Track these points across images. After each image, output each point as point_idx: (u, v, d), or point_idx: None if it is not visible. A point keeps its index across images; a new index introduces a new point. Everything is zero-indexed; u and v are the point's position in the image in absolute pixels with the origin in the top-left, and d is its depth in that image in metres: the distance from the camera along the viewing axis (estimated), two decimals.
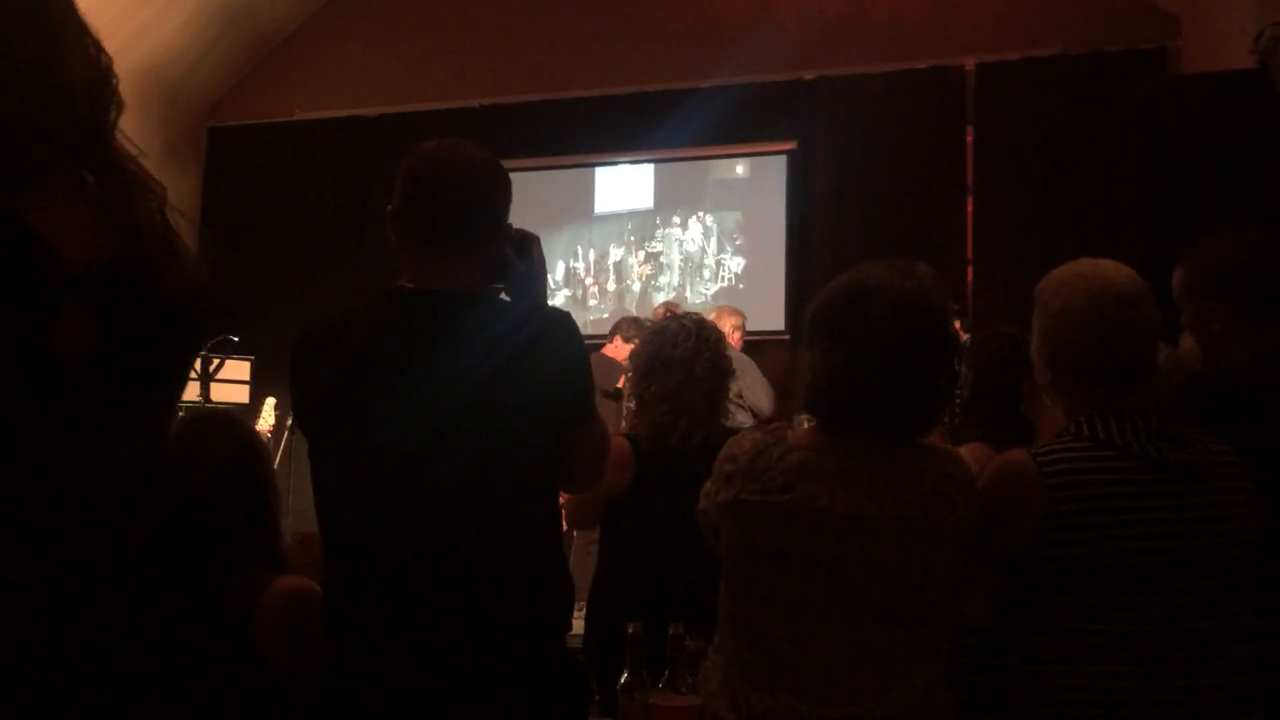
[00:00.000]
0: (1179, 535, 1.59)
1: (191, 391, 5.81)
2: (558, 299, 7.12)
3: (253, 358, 6.13)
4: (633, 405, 2.70)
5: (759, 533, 1.55)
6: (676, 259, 7.02)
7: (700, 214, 6.99)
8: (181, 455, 1.90)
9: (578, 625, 2.70)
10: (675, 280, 6.99)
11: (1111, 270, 1.72)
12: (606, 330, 6.55)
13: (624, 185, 7.16)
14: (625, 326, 5.47)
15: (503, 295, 1.77)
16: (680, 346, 2.58)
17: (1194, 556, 1.59)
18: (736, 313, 5.61)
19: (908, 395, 1.57)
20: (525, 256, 1.78)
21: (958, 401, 2.40)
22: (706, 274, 6.93)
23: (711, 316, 5.16)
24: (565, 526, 3.09)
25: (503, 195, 1.76)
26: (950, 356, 1.63)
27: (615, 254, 7.14)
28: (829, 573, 1.52)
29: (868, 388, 1.56)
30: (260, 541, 1.87)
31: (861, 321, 1.56)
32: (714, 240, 6.94)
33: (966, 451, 1.99)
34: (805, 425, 1.75)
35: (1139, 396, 1.68)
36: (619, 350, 5.22)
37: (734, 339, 5.21)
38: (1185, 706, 1.54)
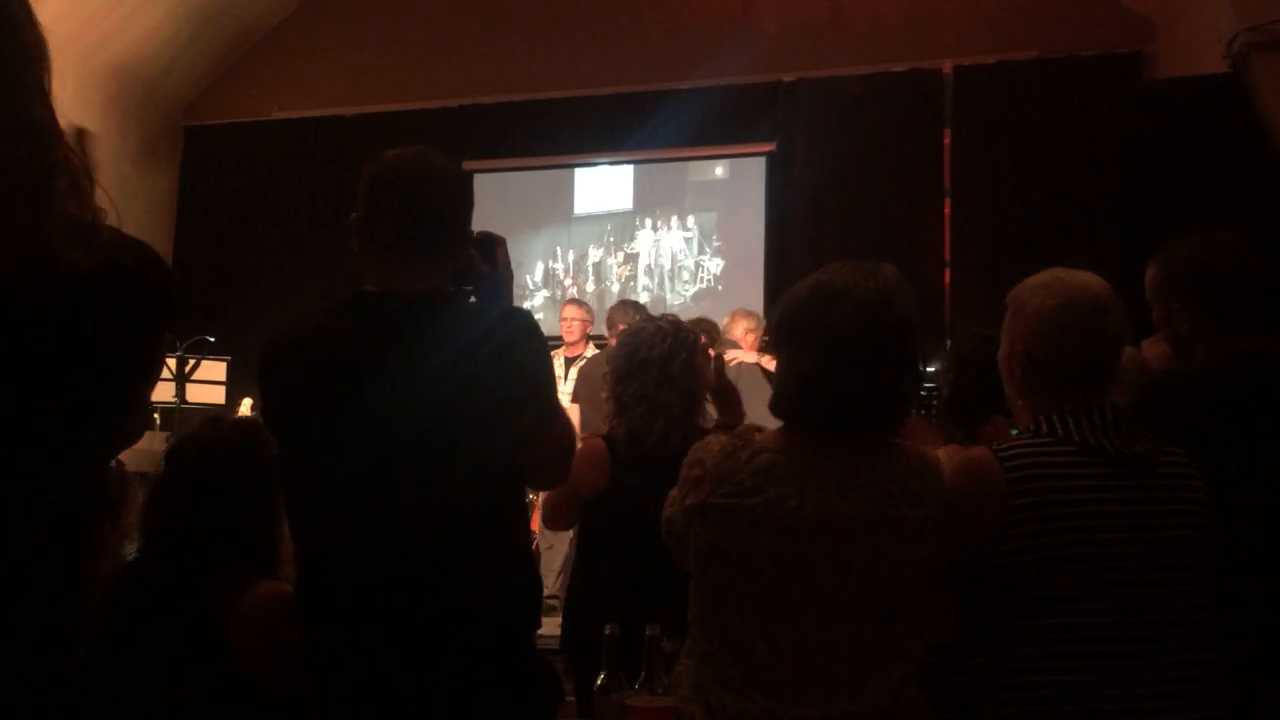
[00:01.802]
0: (1137, 528, 1.61)
1: (167, 392, 5.77)
2: (537, 299, 7.12)
3: (229, 358, 6.09)
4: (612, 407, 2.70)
5: (729, 536, 1.55)
6: (655, 260, 7.02)
7: (679, 215, 7.00)
8: (195, 456, 1.93)
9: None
10: (654, 281, 7.00)
11: (1084, 277, 1.76)
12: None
13: (603, 186, 7.16)
14: (623, 314, 5.15)
15: (471, 299, 1.78)
16: (657, 348, 2.59)
17: (1152, 549, 1.61)
18: (751, 315, 5.21)
19: (873, 398, 1.58)
20: (490, 259, 1.79)
21: (935, 403, 2.41)
22: (686, 275, 6.95)
23: (725, 321, 5.07)
24: (544, 527, 3.10)
25: (465, 201, 1.77)
26: (915, 358, 1.64)
27: (594, 255, 7.14)
28: (800, 573, 1.53)
29: (833, 391, 1.57)
30: (255, 545, 1.89)
31: (826, 325, 1.58)
32: (693, 241, 6.96)
33: (943, 453, 2.00)
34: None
35: (1095, 396, 1.71)
36: None
37: (747, 343, 4.94)
38: (1147, 699, 1.56)
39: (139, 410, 1.09)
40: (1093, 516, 1.61)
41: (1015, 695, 1.62)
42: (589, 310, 5.81)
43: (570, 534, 3.93)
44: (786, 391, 1.63)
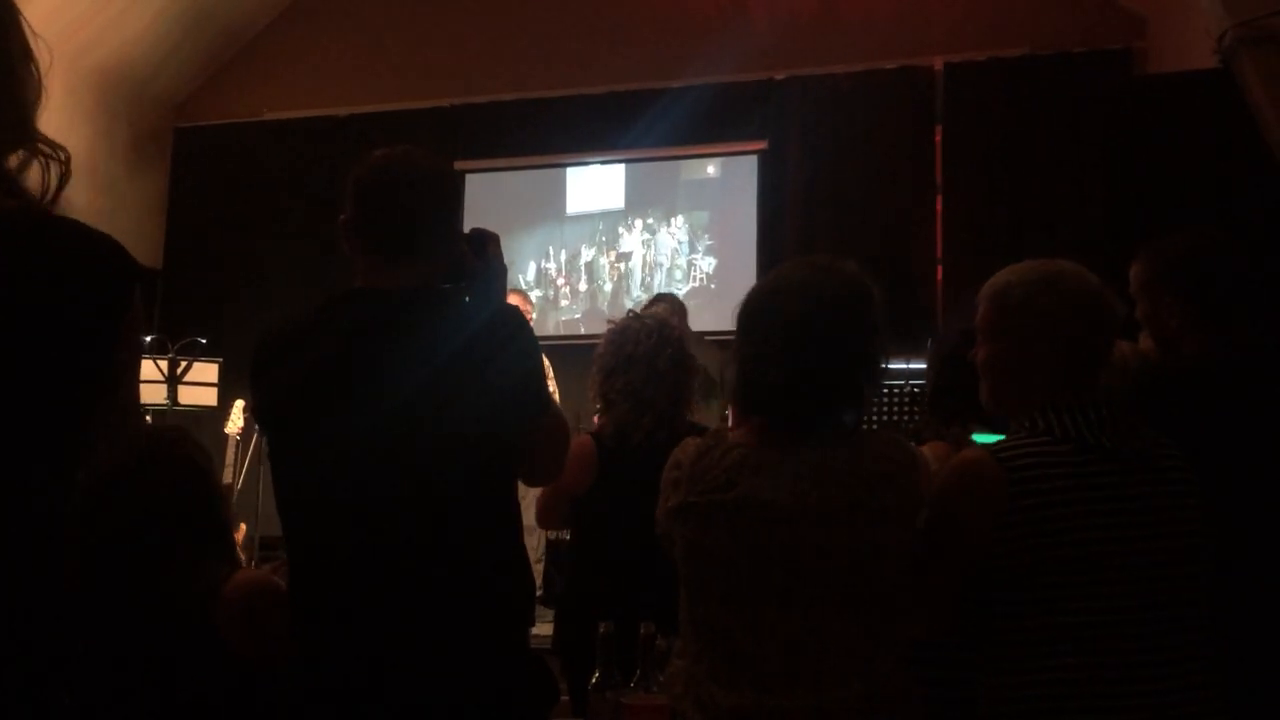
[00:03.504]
0: (1136, 525, 1.61)
1: (159, 395, 5.75)
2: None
3: (221, 360, 6.07)
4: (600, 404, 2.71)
5: (708, 533, 1.58)
6: (648, 259, 7.02)
7: (672, 214, 7.00)
8: (127, 471, 1.90)
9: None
10: (646, 280, 6.99)
11: (1074, 266, 1.76)
12: (579, 330, 6.56)
13: (595, 185, 7.15)
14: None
15: (465, 297, 1.78)
16: (642, 344, 2.60)
17: (1151, 545, 1.61)
18: None
19: (818, 392, 1.60)
20: (481, 255, 1.79)
21: (923, 399, 2.41)
22: (678, 274, 6.94)
23: None
24: (536, 525, 3.10)
25: (452, 200, 1.79)
26: (864, 351, 1.64)
27: (587, 254, 7.14)
28: (780, 564, 1.55)
29: (774, 384, 1.60)
30: (216, 543, 1.89)
31: (770, 320, 1.62)
32: (685, 240, 6.96)
33: (928, 450, 2.00)
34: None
35: (1090, 391, 1.70)
36: None
37: None
38: (1145, 696, 1.56)
39: (110, 408, 1.08)
40: (1093, 515, 1.61)
41: (1014, 693, 1.61)
42: (528, 300, 5.86)
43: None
44: (737, 385, 1.65)
